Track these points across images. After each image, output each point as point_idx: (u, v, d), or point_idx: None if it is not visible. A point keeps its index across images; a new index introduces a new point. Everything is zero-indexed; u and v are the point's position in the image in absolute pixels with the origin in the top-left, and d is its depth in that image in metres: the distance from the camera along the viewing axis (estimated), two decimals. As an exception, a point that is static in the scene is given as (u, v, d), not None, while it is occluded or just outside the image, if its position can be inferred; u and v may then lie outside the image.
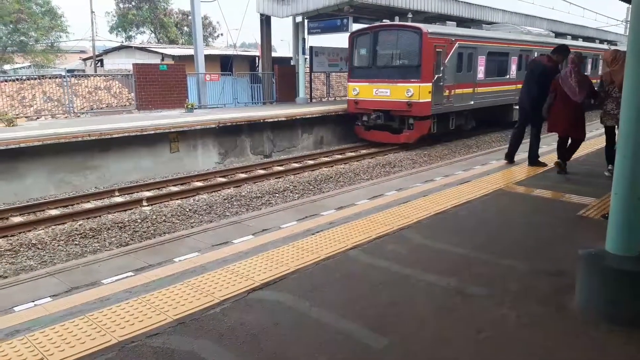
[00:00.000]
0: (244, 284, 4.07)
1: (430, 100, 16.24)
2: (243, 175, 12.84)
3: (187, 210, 9.91)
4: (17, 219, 9.36)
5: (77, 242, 8.19)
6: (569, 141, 8.16)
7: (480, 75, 19.19)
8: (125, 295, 3.90)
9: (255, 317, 3.55)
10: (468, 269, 4.40)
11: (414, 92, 15.92)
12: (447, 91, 17.04)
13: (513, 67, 21.16)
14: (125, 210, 9.94)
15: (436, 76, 16.40)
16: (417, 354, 3.14)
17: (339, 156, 15.40)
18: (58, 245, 8.04)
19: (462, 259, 4.63)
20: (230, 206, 10.22)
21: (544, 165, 8.75)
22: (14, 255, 7.64)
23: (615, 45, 31.96)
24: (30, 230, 8.77)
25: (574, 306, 3.68)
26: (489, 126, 20.88)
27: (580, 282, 3.70)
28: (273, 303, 3.78)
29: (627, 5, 20.72)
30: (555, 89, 7.89)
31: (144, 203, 10.39)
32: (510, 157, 9.22)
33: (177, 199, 10.66)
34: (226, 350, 3.14)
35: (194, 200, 10.64)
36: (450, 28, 18.51)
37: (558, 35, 27.94)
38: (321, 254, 4.69)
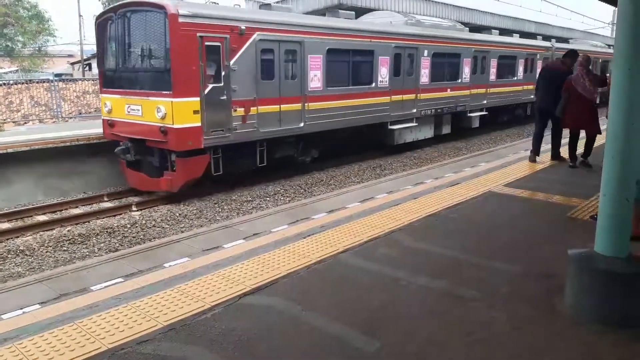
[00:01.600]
0: (235, 289, 4.05)
1: (200, 124, 10.14)
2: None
3: (177, 215, 9.86)
4: (4, 225, 9.25)
5: (65, 249, 8.11)
6: (581, 138, 8.91)
7: (316, 83, 12.54)
8: (114, 302, 3.87)
9: (246, 322, 3.53)
10: (459, 271, 4.41)
11: (166, 111, 9.92)
12: (242, 109, 10.85)
13: (382, 72, 14.48)
14: (114, 216, 9.86)
15: (211, 86, 10.27)
16: (409, 356, 3.14)
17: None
18: (46, 252, 7.95)
19: (452, 261, 4.65)
20: (220, 210, 10.18)
21: (564, 159, 9.37)
22: (1, 262, 7.55)
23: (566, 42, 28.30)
24: (18, 237, 8.66)
25: (564, 308, 3.71)
26: (480, 128, 20.76)
27: (570, 284, 3.73)
28: (265, 308, 3.76)
29: (613, 8, 20.48)
30: (568, 89, 8.47)
31: (134, 208, 10.31)
32: (535, 153, 9.54)
33: (166, 204, 10.60)
34: (218, 356, 3.12)
35: (183, 204, 10.59)
36: (240, 10, 12.43)
37: (503, 32, 23.62)
38: (312, 258, 4.68)
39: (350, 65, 13.71)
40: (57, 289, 4.99)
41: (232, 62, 10.55)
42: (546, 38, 27.01)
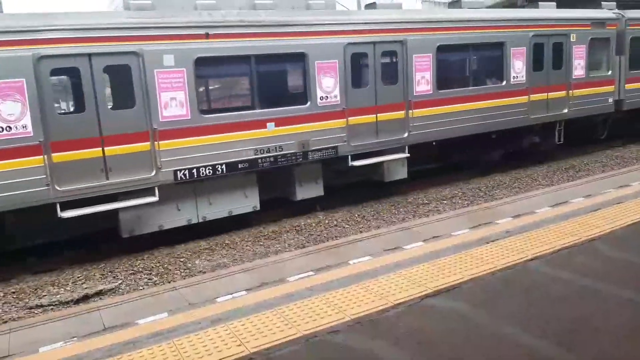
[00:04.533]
0: (417, 290, 4.10)
1: None
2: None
3: (356, 215, 10.28)
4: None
5: (261, 243, 9.08)
6: None
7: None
8: (308, 293, 4.24)
9: (429, 323, 3.56)
10: (678, 288, 3.80)
11: None
12: None
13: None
14: (301, 215, 10.69)
15: None
16: (614, 378, 2.83)
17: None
18: (246, 246, 9.01)
19: (669, 276, 4.02)
20: (397, 212, 10.31)
21: None
22: (210, 253, 8.79)
23: None
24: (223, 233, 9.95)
25: None
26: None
27: None
28: (447, 310, 3.74)
29: None
30: None
31: (318, 208, 11.06)
32: None
33: (344, 205, 11.11)
34: (403, 353, 3.21)
35: (361, 206, 10.99)
36: None
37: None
38: (497, 264, 4.49)
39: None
40: (259, 278, 5.64)
41: None
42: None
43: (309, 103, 8.96)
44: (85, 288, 6.70)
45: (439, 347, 3.25)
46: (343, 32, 9.16)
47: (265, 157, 8.68)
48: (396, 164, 10.51)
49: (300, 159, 9.06)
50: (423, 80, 10.09)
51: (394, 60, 9.92)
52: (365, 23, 9.51)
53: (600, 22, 12.98)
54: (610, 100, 13.32)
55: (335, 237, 8.93)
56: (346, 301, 3.99)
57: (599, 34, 12.87)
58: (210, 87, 9.36)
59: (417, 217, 9.90)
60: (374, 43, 9.53)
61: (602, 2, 14.16)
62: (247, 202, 9.10)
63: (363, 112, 9.52)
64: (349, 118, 9.33)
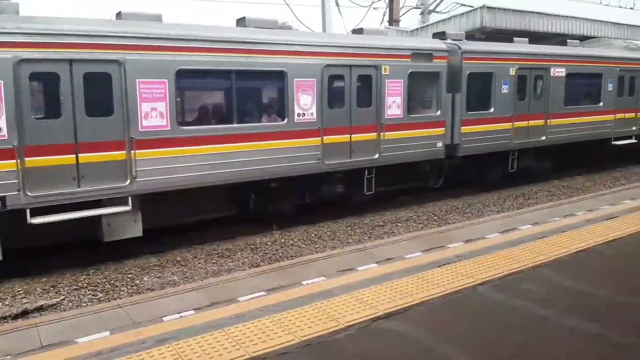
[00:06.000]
0: (368, 312, 4.10)
1: None
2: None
3: (313, 235, 10.26)
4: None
5: (214, 261, 8.89)
6: None
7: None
8: (259, 313, 4.15)
9: (379, 347, 3.55)
10: (615, 315, 3.96)
11: None
12: None
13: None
14: (257, 234, 10.57)
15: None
16: (555, 404, 2.89)
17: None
18: (198, 263, 8.80)
19: (607, 303, 4.18)
20: (352, 233, 10.36)
21: None
22: (161, 270, 8.53)
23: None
24: (175, 249, 9.69)
25: None
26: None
27: None
28: (397, 334, 3.75)
29: None
30: None
31: (274, 227, 10.96)
32: None
33: (302, 224, 11.07)
34: (351, 377, 3.18)
35: (318, 225, 10.98)
36: None
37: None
38: (448, 288, 4.56)
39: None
40: (209, 297, 5.50)
41: None
42: None
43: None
44: (25, 303, 6.35)
45: (388, 371, 3.24)
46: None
47: None
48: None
49: None
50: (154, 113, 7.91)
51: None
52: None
53: (425, 54, 10.83)
54: (440, 144, 11.30)
55: (291, 256, 8.86)
56: (297, 322, 3.94)
57: (423, 67, 10.76)
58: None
59: (373, 238, 9.98)
60: None
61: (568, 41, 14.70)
62: None
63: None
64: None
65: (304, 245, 9.73)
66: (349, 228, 10.90)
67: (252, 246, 9.39)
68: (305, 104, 9.32)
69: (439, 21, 19.92)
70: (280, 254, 9.09)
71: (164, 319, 4.33)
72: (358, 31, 11.01)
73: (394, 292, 4.50)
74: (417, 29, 19.95)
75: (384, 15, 22.49)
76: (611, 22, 21.68)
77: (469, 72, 11.62)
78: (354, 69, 9.81)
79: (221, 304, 4.58)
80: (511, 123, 12.59)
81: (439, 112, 11.23)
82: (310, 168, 9.55)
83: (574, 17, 19.98)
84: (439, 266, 5.20)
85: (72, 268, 7.56)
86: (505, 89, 12.33)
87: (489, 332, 3.75)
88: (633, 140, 16.38)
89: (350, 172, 10.40)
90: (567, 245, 5.74)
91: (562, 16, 19.64)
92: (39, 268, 7.56)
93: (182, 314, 4.39)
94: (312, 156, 9.47)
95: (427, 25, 20.63)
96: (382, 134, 10.22)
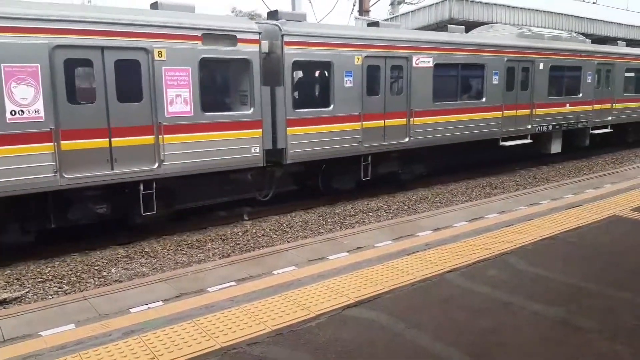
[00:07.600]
0: (339, 300, 4.12)
1: None
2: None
3: (284, 225, 10.25)
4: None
5: (184, 252, 8.79)
6: None
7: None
8: (228, 304, 4.13)
9: (349, 334, 3.58)
10: (577, 299, 4.09)
11: None
12: None
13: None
14: (228, 224, 10.48)
15: None
16: (519, 386, 2.98)
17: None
18: (167, 254, 8.68)
19: (570, 288, 4.32)
20: (324, 223, 10.40)
21: None
22: (129, 262, 8.38)
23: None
24: (143, 240, 9.53)
25: None
26: (602, 147, 19.10)
27: None
28: (367, 321, 3.79)
29: None
30: None
31: (245, 217, 10.89)
32: None
33: (274, 215, 11.05)
34: (321, 364, 3.20)
35: (290, 216, 10.97)
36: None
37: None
38: (417, 276, 4.62)
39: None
40: (178, 288, 5.44)
41: None
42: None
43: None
44: (-14, 296, 6.15)
45: (357, 357, 3.27)
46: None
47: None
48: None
49: None
50: None
51: None
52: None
53: (224, 36, 8.49)
54: (257, 149, 9.17)
55: (262, 246, 8.84)
56: (268, 312, 3.94)
57: (222, 52, 8.50)
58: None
59: (344, 228, 10.04)
60: None
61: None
62: None
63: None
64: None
65: (275, 235, 9.71)
66: (321, 218, 10.93)
67: (222, 237, 9.32)
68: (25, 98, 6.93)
69: (408, 12, 20.07)
70: (251, 245, 9.05)
71: (132, 310, 4.25)
72: (153, 5, 8.62)
73: (365, 280, 4.54)
74: (386, 19, 20.05)
75: (354, 6, 22.49)
76: (575, 16, 22.34)
77: (294, 60, 9.40)
78: (106, 51, 7.35)
79: (190, 295, 4.53)
80: (360, 123, 10.56)
81: (252, 110, 9.00)
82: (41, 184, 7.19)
83: (536, 10, 20.51)
84: (408, 254, 5.27)
85: (36, 260, 7.35)
86: (349, 82, 10.26)
87: (457, 317, 3.83)
88: (528, 141, 14.68)
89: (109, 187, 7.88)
90: (532, 233, 5.90)
91: (526, 9, 20.10)
92: (1, 260, 7.34)
93: (150, 306, 4.32)
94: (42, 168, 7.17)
95: (396, 16, 20.77)
96: (161, 137, 7.92)
